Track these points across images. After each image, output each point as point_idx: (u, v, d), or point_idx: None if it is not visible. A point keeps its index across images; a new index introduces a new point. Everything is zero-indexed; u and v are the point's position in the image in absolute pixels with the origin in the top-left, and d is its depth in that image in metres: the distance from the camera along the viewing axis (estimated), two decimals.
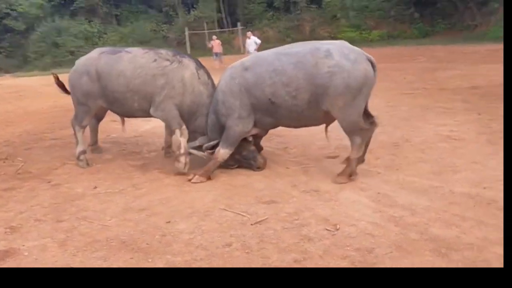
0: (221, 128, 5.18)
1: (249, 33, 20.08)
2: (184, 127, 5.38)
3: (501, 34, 27.30)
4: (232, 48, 32.43)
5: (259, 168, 5.31)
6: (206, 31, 33.01)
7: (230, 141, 5.08)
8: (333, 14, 34.41)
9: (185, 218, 4.07)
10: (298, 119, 4.92)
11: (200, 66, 5.52)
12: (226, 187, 4.85)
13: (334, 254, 3.23)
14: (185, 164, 5.31)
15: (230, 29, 35.56)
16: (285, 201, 4.33)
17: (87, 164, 5.87)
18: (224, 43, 27.02)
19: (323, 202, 4.25)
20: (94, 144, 6.55)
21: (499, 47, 21.89)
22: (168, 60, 5.40)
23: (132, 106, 5.52)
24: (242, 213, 4.07)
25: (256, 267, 3.12)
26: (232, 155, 5.22)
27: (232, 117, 5.01)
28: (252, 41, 18.99)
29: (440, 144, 5.93)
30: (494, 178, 4.50)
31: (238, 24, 33.65)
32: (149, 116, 5.57)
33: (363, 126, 4.74)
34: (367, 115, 4.91)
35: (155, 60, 5.39)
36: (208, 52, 24.19)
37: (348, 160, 4.86)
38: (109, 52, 5.61)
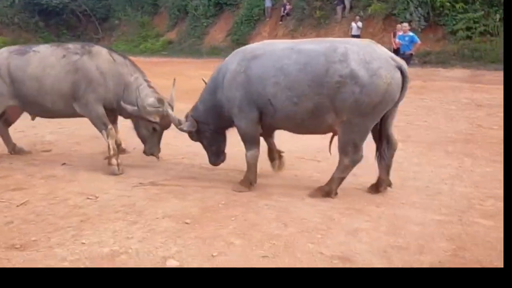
0: (217, 114, 4.73)
1: None
2: (110, 127, 5.14)
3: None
4: None
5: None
6: None
7: (248, 142, 4.63)
8: None
9: None
10: (299, 127, 4.45)
11: (111, 50, 5.46)
12: None
13: (108, 212, 4.13)
14: (118, 165, 5.24)
15: None
16: (32, 187, 4.79)
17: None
18: None
19: (66, 183, 4.92)
20: (13, 148, 6.05)
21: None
22: (77, 53, 5.23)
23: (48, 108, 5.23)
24: None
25: (49, 231, 3.70)
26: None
27: (233, 113, 4.54)
28: None
29: None
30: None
31: None
32: (75, 116, 5.42)
33: (358, 151, 4.27)
34: (388, 135, 4.47)
35: (64, 56, 5.23)
36: None
37: (331, 178, 4.47)
38: (18, 52, 5.15)
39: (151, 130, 5.26)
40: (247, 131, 4.58)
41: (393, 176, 4.77)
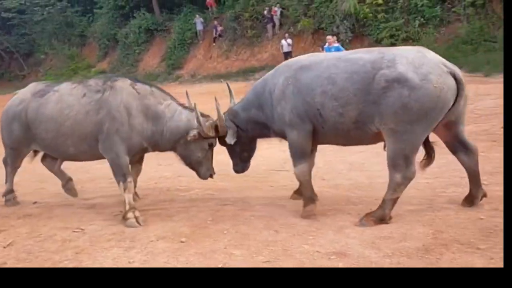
0: (260, 126, 4.67)
1: None
2: (130, 180, 4.70)
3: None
4: None
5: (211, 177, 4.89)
6: None
7: (297, 155, 4.42)
8: None
9: None
10: (346, 139, 4.32)
11: (136, 81, 4.92)
12: None
13: (100, 241, 4.16)
14: (136, 218, 4.57)
15: None
16: (11, 227, 4.69)
17: (15, 203, 5.47)
18: None
19: (46, 220, 4.87)
20: (67, 182, 5.79)
21: None
22: (99, 91, 4.77)
23: (67, 150, 4.95)
24: None
25: (52, 266, 3.71)
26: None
27: (285, 128, 4.41)
28: None
29: None
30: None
31: None
32: (98, 158, 4.95)
33: (411, 165, 3.92)
34: (463, 143, 4.19)
35: (84, 95, 4.79)
36: None
37: (382, 201, 4.08)
38: (39, 93, 5.05)
39: (207, 148, 4.83)
40: (298, 143, 4.38)
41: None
